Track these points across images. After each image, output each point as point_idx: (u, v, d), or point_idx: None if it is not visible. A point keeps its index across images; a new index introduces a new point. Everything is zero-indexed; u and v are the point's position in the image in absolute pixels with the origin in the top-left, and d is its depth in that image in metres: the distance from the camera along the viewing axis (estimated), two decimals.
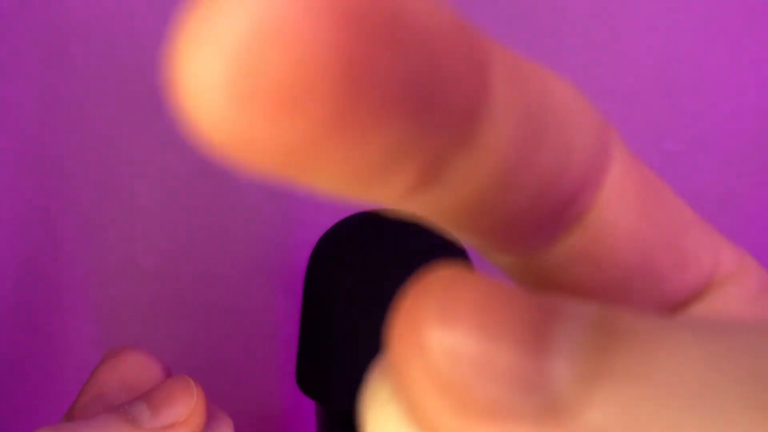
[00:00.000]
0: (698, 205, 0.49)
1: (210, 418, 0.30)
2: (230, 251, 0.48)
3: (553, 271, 0.11)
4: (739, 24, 0.46)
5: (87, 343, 0.50)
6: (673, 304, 0.12)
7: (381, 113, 0.07)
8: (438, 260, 0.38)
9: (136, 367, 0.31)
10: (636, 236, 0.11)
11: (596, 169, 0.10)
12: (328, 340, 0.37)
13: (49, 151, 0.47)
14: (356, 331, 0.36)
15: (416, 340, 0.08)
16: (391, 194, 0.09)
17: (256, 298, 0.49)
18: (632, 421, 0.07)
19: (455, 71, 0.08)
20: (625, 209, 0.11)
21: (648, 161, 0.48)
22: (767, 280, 0.12)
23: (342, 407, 0.37)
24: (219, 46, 0.07)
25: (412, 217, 0.39)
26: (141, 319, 0.50)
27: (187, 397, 0.29)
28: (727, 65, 0.47)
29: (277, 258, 0.49)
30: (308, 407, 0.51)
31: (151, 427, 0.28)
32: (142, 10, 0.45)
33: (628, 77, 0.47)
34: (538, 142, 0.09)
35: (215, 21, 0.07)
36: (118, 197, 0.48)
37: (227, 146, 0.07)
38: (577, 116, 0.10)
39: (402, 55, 0.07)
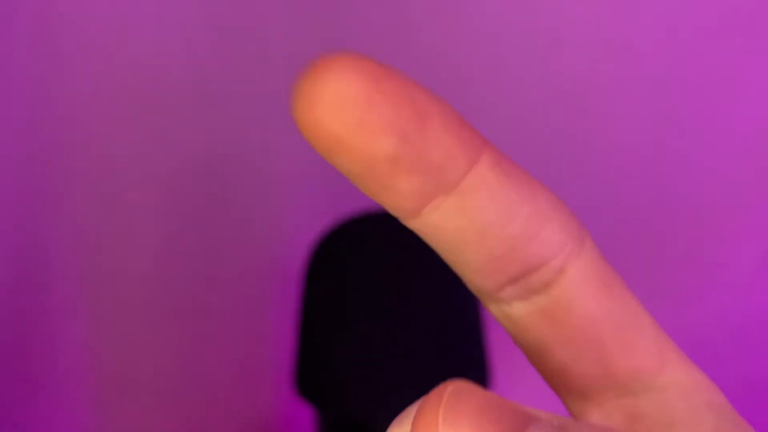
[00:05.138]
0: (707, 209, 0.49)
1: None
2: (225, 254, 0.49)
3: (523, 329, 0.16)
4: (744, 24, 0.46)
5: (79, 346, 0.50)
6: (618, 381, 0.16)
7: (386, 128, 0.13)
8: (436, 259, 0.38)
9: None
10: (589, 319, 0.16)
11: (561, 255, 0.15)
12: (326, 342, 0.37)
13: (42, 152, 0.48)
14: (354, 333, 0.36)
15: None
16: (400, 201, 0.14)
17: (251, 301, 0.49)
18: None
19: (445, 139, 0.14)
20: (583, 296, 0.16)
21: (652, 160, 0.48)
22: (716, 396, 0.16)
23: (339, 411, 0.37)
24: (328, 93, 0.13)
25: None
26: (135, 321, 0.50)
27: None
28: (732, 66, 0.47)
29: (272, 260, 0.49)
30: (305, 411, 0.52)
31: None
32: (135, 10, 0.45)
33: (633, 77, 0.47)
34: (511, 213, 0.15)
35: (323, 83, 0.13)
36: (110, 199, 0.48)
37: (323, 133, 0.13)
38: (555, 214, 0.15)
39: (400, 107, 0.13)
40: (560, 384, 0.17)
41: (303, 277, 0.40)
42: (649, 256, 0.50)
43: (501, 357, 0.51)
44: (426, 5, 0.45)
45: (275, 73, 0.46)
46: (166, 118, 0.47)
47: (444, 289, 0.38)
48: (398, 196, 0.14)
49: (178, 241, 0.48)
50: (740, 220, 0.49)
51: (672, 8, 0.46)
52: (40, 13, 0.45)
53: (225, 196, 0.48)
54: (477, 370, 0.38)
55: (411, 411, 0.15)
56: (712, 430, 0.15)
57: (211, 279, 0.49)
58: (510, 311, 0.16)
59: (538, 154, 0.48)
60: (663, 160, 0.48)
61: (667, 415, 0.16)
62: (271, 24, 0.45)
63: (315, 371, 0.38)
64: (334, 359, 0.37)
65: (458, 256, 0.16)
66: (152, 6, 0.45)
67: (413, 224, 0.15)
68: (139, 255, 0.49)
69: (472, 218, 0.15)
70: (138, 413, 0.51)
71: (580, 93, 0.47)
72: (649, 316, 0.16)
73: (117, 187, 0.48)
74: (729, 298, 0.50)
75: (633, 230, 0.49)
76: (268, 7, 0.45)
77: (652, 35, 0.46)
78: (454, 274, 0.38)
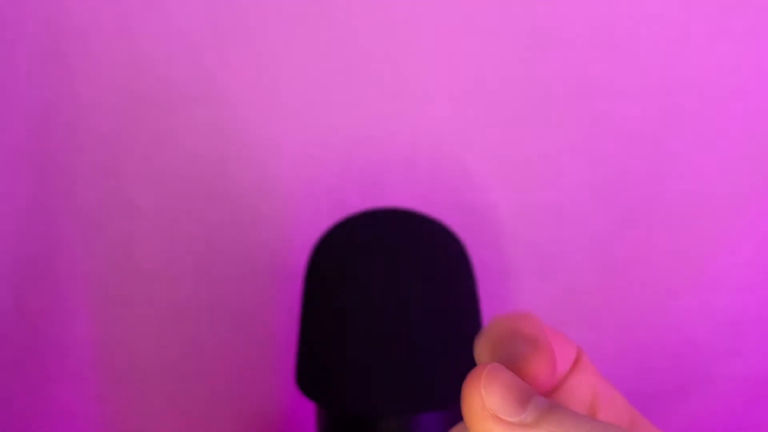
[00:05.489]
0: (702, 207, 0.48)
1: None
2: (228, 251, 0.48)
3: None
4: (743, 23, 0.46)
5: (85, 343, 0.50)
6: None
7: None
8: (437, 258, 0.38)
9: None
10: (579, 388, 0.25)
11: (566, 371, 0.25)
12: (328, 340, 0.37)
13: (47, 151, 0.47)
14: (355, 331, 0.36)
15: (478, 396, 0.21)
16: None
17: (255, 299, 0.49)
18: None
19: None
20: (575, 378, 0.25)
21: (651, 162, 0.48)
22: None
23: (342, 408, 0.37)
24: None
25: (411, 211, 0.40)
26: (139, 319, 0.49)
27: None
28: (732, 65, 0.46)
29: (276, 258, 0.49)
30: (307, 409, 0.51)
31: None
32: (139, 9, 0.45)
33: (630, 77, 0.46)
34: (555, 360, 0.24)
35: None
36: (116, 197, 0.48)
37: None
38: (570, 349, 0.25)
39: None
40: None
41: (305, 276, 0.40)
42: (645, 254, 0.49)
43: None
44: (426, 5, 0.45)
45: (278, 73, 0.46)
46: (170, 118, 0.46)
47: (445, 289, 0.37)
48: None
49: (182, 241, 0.48)
50: (737, 219, 0.49)
51: (669, 6, 0.45)
52: (45, 15, 0.45)
53: (228, 197, 0.48)
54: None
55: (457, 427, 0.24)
56: None
57: (215, 278, 0.49)
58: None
59: (534, 153, 0.47)
60: (660, 159, 0.48)
61: None
62: (274, 23, 0.45)
63: (316, 368, 0.37)
64: (336, 356, 0.37)
65: None
66: (155, 7, 0.45)
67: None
68: (144, 255, 0.48)
69: None
70: (144, 409, 0.51)
71: (574, 92, 0.47)
72: (620, 394, 0.26)
73: (123, 186, 0.48)
74: (725, 296, 0.50)
75: (629, 229, 0.49)
76: (272, 6, 0.45)
77: (647, 34, 0.46)
78: (454, 275, 0.38)
